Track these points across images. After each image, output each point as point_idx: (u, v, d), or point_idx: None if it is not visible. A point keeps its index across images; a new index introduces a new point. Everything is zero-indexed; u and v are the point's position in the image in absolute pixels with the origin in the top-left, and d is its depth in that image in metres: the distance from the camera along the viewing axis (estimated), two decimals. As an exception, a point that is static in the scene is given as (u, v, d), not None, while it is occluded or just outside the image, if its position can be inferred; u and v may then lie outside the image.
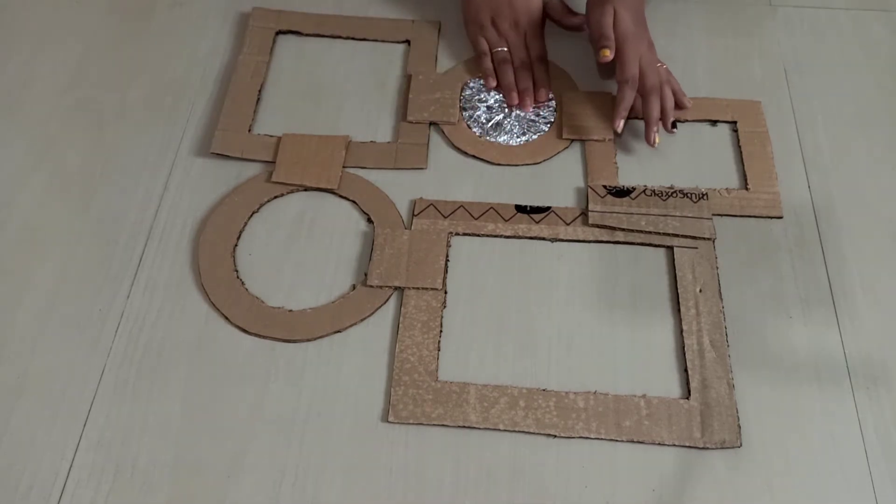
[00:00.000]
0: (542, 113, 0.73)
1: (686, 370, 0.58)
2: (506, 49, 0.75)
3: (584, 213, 0.66)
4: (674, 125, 0.71)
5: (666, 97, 0.70)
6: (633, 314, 0.61)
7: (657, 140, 0.69)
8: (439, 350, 0.59)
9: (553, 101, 0.74)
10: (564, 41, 0.78)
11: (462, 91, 0.74)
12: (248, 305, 0.61)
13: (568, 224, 0.65)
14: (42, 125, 0.73)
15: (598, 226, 0.65)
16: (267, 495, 0.53)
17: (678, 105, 0.72)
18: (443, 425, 0.56)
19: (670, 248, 0.64)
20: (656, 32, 0.79)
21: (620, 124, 0.69)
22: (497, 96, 0.74)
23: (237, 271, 0.63)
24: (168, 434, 0.56)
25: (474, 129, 0.72)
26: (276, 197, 0.68)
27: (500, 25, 0.75)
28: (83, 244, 0.65)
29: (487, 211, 0.66)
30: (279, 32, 0.79)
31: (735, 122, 0.72)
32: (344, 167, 0.69)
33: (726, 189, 0.68)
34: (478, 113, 0.73)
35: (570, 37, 0.78)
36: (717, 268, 0.63)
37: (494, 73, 0.74)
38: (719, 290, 0.62)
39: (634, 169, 0.70)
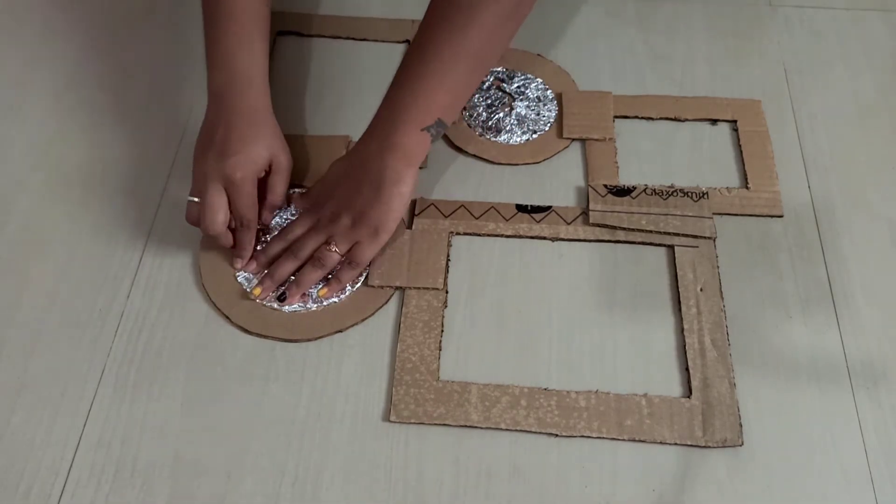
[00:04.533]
0: (542, 112, 0.73)
1: (687, 369, 0.58)
2: (196, 200, 0.60)
3: (585, 213, 0.66)
4: (282, 298, 0.60)
5: (308, 275, 0.60)
6: (634, 313, 0.61)
7: (256, 292, 0.60)
8: (440, 350, 0.59)
9: (554, 100, 0.74)
10: (564, 41, 0.78)
11: (462, 91, 0.74)
12: (249, 305, 0.61)
13: (569, 223, 0.65)
14: (42, 125, 0.72)
15: (598, 225, 0.65)
16: (267, 495, 0.53)
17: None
18: (444, 425, 0.56)
19: (671, 247, 0.64)
20: (656, 32, 0.79)
21: (239, 264, 0.62)
22: (498, 95, 0.74)
23: (237, 272, 0.63)
24: (168, 434, 0.56)
25: (475, 129, 0.72)
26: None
27: (198, 173, 0.61)
28: (83, 244, 0.65)
29: (488, 210, 0.66)
30: (280, 33, 0.79)
31: (735, 122, 0.72)
32: (344, 167, 0.69)
33: (727, 188, 0.68)
34: (478, 112, 0.73)
35: (570, 36, 0.78)
36: (718, 267, 0.63)
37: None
38: (720, 288, 0.62)
39: (635, 168, 0.70)
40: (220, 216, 0.59)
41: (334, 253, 0.60)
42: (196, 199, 0.60)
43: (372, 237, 0.60)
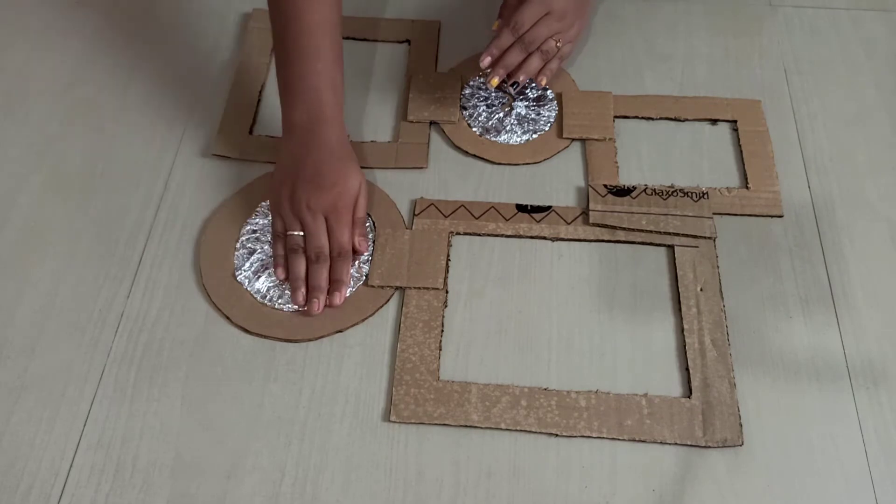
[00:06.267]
0: (542, 112, 0.73)
1: (687, 369, 0.58)
2: (300, 234, 0.62)
3: (585, 213, 0.66)
4: (514, 85, 0.70)
5: (533, 59, 0.69)
6: (635, 313, 0.61)
7: (493, 82, 0.69)
8: (441, 349, 0.59)
9: (554, 100, 0.74)
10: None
11: (462, 90, 0.74)
12: (249, 305, 0.61)
13: (569, 223, 0.65)
14: (42, 125, 0.72)
15: (598, 225, 0.65)
16: (267, 495, 0.53)
17: (536, 76, 0.71)
18: (444, 425, 0.56)
19: (671, 247, 0.64)
20: (656, 32, 0.79)
21: (487, 61, 0.69)
22: (498, 95, 0.74)
23: (237, 271, 0.63)
24: (168, 434, 0.56)
25: (475, 129, 0.72)
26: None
27: (295, 202, 0.62)
28: (83, 244, 0.65)
29: (488, 210, 0.66)
30: (279, 32, 0.79)
31: (735, 122, 0.72)
32: (344, 167, 0.69)
33: (727, 188, 0.68)
34: (478, 112, 0.73)
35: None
36: (718, 267, 0.63)
37: (285, 262, 0.62)
38: (720, 288, 0.62)
39: (635, 168, 0.70)
40: (325, 241, 0.61)
41: (555, 46, 0.70)
42: (300, 233, 0.62)
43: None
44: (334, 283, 0.61)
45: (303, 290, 0.61)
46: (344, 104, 0.65)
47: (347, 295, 0.61)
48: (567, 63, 0.76)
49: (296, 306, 0.61)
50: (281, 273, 0.62)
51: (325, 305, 0.60)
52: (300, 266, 0.61)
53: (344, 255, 0.62)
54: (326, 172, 0.62)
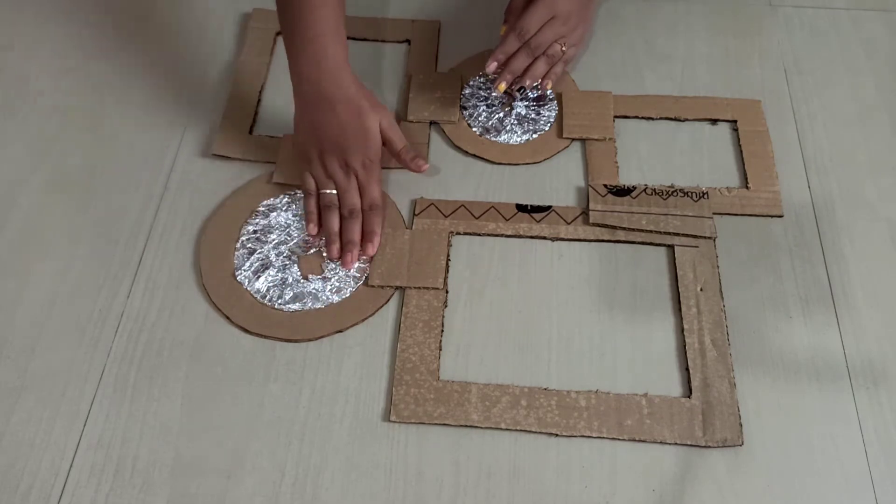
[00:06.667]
0: (542, 112, 0.73)
1: (687, 369, 0.58)
2: (334, 192, 0.65)
3: (585, 213, 0.66)
4: (521, 90, 0.72)
5: (539, 64, 0.70)
6: (634, 313, 0.61)
7: (500, 88, 0.70)
8: (441, 349, 0.59)
9: (554, 100, 0.74)
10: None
11: (462, 90, 0.74)
12: (249, 305, 0.61)
13: (569, 223, 0.65)
14: (42, 125, 0.72)
15: (598, 225, 0.65)
16: (267, 495, 0.53)
17: (538, 81, 0.71)
18: (444, 424, 0.56)
19: (671, 247, 0.64)
20: (656, 32, 0.79)
21: (493, 66, 0.69)
22: (498, 94, 0.74)
23: (237, 271, 0.63)
24: (168, 434, 0.56)
25: (475, 129, 0.72)
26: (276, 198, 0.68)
27: (327, 163, 0.65)
28: (83, 244, 0.65)
29: (488, 210, 0.66)
30: (280, 33, 0.79)
31: (735, 122, 0.72)
32: (344, 167, 0.69)
33: (727, 188, 0.68)
34: (478, 112, 0.73)
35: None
36: (718, 266, 0.63)
37: (318, 218, 0.65)
38: (720, 288, 0.62)
39: (635, 168, 0.70)
40: (358, 198, 0.64)
41: (560, 51, 0.71)
42: (333, 191, 0.64)
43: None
44: (367, 234, 0.64)
45: (337, 244, 0.63)
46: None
47: (377, 246, 0.63)
48: (571, 66, 0.76)
49: (329, 261, 0.63)
50: (313, 229, 0.64)
51: (360, 256, 0.63)
52: (335, 222, 0.64)
53: (375, 208, 0.64)
54: (349, 128, 0.63)
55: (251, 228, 0.65)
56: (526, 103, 0.73)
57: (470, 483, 0.54)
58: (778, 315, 0.61)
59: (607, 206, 0.66)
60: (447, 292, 0.62)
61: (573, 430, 0.55)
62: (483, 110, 0.73)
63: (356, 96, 0.63)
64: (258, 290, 0.62)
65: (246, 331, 0.60)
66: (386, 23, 0.80)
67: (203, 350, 0.59)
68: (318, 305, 0.61)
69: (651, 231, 0.64)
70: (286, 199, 0.67)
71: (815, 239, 0.65)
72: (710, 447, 0.55)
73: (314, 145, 0.65)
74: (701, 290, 0.62)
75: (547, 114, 0.73)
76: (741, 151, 0.70)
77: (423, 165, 0.67)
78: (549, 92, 0.73)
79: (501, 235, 0.65)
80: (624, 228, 0.65)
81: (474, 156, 0.70)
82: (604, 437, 0.55)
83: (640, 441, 0.55)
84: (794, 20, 0.81)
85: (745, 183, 0.68)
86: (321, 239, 0.65)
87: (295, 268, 0.63)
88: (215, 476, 0.54)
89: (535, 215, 0.66)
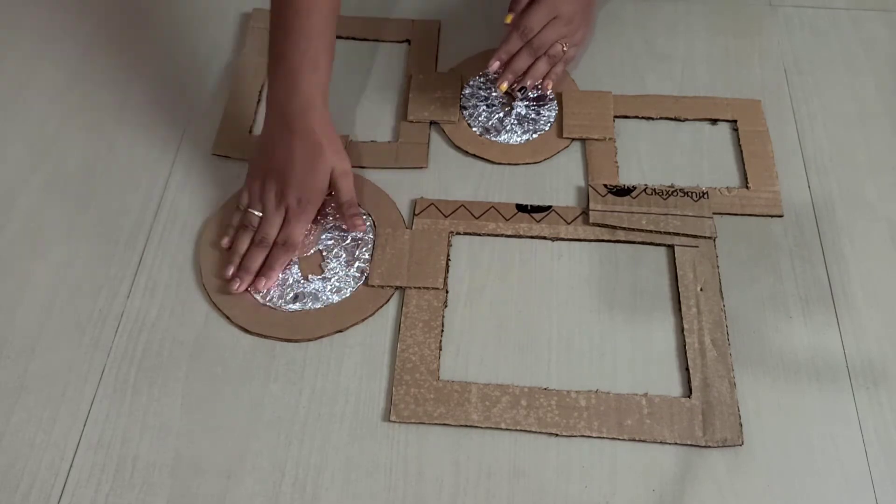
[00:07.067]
0: (542, 112, 0.73)
1: (687, 369, 0.58)
2: (258, 215, 0.64)
3: (585, 213, 0.66)
4: (522, 90, 0.72)
5: (540, 63, 0.71)
6: (634, 313, 0.61)
7: (502, 87, 0.70)
8: (441, 349, 0.59)
9: (554, 99, 0.74)
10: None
11: (462, 90, 0.74)
12: (249, 305, 0.61)
13: (569, 223, 0.65)
14: (42, 125, 0.72)
15: (598, 225, 0.65)
16: (267, 495, 0.53)
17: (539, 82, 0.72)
18: (444, 424, 0.56)
19: (671, 247, 0.64)
20: (656, 32, 0.79)
21: (495, 66, 0.70)
22: (498, 94, 0.74)
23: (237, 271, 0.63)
24: (168, 434, 0.56)
25: (475, 129, 0.72)
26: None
27: (266, 187, 0.64)
28: (83, 244, 0.65)
29: (488, 210, 0.66)
30: (279, 32, 0.79)
31: (735, 122, 0.72)
32: (344, 167, 0.69)
33: (727, 188, 0.68)
34: (478, 112, 0.73)
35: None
36: (718, 266, 0.63)
37: (233, 234, 0.64)
38: (720, 288, 0.61)
39: (635, 168, 0.70)
40: (274, 231, 0.63)
41: (562, 50, 0.72)
42: (258, 214, 0.63)
43: None
44: (264, 269, 0.62)
45: (235, 267, 0.62)
46: (330, 90, 0.65)
47: (272, 285, 0.62)
48: (571, 66, 0.76)
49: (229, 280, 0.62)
50: (226, 242, 0.64)
51: (246, 288, 0.62)
52: (243, 243, 0.63)
53: (288, 246, 0.63)
54: (297, 163, 0.62)
55: None
56: (526, 103, 0.73)
57: (470, 483, 0.54)
58: (778, 315, 0.61)
59: (607, 205, 0.66)
60: (447, 292, 0.62)
61: (573, 430, 0.55)
62: (483, 110, 0.73)
63: (318, 136, 0.62)
64: (258, 290, 0.62)
65: (246, 331, 0.60)
66: (386, 23, 0.80)
67: (203, 350, 0.59)
68: (318, 305, 0.61)
69: (651, 231, 0.64)
70: None
71: (815, 239, 0.65)
72: (710, 447, 0.55)
73: (262, 167, 0.64)
74: (701, 290, 0.62)
75: (547, 114, 0.73)
76: (741, 151, 0.70)
77: (359, 226, 0.64)
78: (549, 92, 0.73)
79: (501, 235, 0.65)
80: (624, 228, 0.65)
81: (474, 156, 0.70)
82: (604, 437, 0.55)
83: (640, 441, 0.55)
84: (794, 20, 0.81)
85: (745, 183, 0.68)
86: (320, 240, 0.64)
87: (295, 268, 0.63)
88: (215, 476, 0.54)
89: (535, 215, 0.66)
